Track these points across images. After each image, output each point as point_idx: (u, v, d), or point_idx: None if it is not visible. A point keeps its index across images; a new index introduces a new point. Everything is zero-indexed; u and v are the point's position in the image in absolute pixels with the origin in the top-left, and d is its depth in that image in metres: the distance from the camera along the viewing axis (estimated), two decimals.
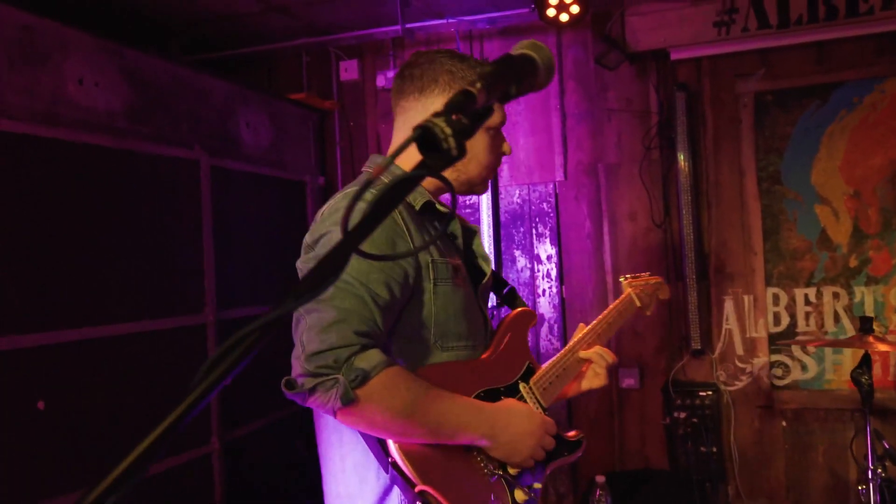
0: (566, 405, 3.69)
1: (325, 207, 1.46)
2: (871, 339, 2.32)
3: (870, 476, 2.32)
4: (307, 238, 1.45)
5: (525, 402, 1.55)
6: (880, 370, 3.24)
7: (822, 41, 3.27)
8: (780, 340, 3.39)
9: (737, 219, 3.47)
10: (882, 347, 2.30)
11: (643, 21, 3.38)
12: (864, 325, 2.37)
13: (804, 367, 3.39)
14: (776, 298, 3.42)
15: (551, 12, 3.24)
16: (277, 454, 3.40)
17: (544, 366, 1.65)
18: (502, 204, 3.78)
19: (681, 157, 3.44)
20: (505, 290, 1.76)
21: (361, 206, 1.36)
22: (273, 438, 3.39)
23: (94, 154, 2.56)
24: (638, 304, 1.97)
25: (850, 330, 3.31)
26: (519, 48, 0.94)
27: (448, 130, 0.73)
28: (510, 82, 0.87)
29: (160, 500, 2.70)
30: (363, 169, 1.63)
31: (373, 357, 1.27)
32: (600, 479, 2.34)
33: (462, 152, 0.75)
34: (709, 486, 3.38)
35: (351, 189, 1.48)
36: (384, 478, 1.38)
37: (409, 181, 0.77)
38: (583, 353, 1.71)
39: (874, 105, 3.28)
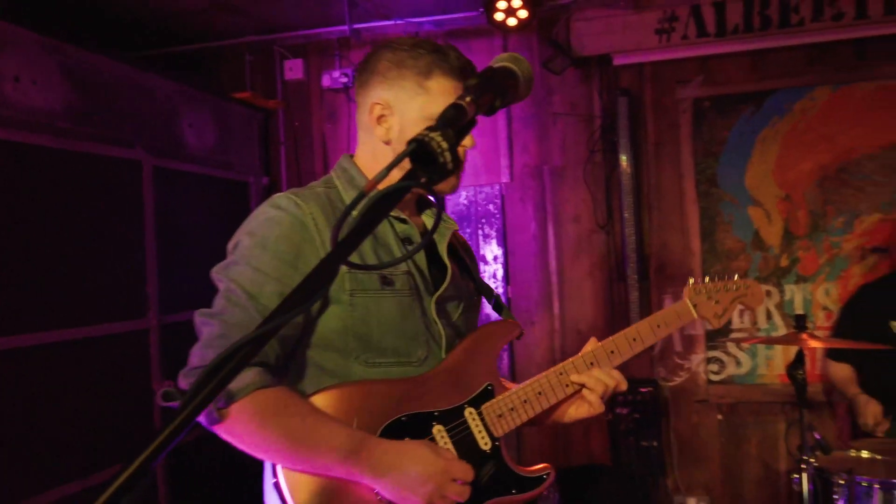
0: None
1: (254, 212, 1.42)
2: (804, 336, 2.43)
3: (803, 466, 2.44)
4: (229, 243, 1.41)
5: (454, 434, 1.39)
6: (810, 364, 3.41)
7: (757, 50, 3.41)
8: (718, 338, 3.53)
9: (676, 221, 3.59)
10: (815, 344, 2.41)
11: (588, 26, 3.46)
12: (799, 323, 2.48)
13: (738, 363, 3.53)
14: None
15: (499, 16, 3.28)
16: (221, 461, 3.36)
17: (513, 388, 1.47)
18: (449, 205, 3.80)
19: (623, 160, 3.53)
20: (492, 300, 1.64)
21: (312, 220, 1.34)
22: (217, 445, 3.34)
23: (32, 155, 2.48)
24: (695, 315, 1.70)
25: (780, 326, 3.47)
26: (499, 61, 0.97)
27: (444, 145, 0.76)
28: (496, 95, 0.89)
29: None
30: (332, 172, 1.51)
31: (244, 378, 1.22)
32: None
33: (457, 165, 0.77)
34: (650, 481, 3.49)
35: (301, 192, 1.41)
36: (272, 496, 1.29)
37: (400, 191, 0.78)
38: (575, 378, 1.50)
39: (804, 112, 3.44)
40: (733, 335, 3.53)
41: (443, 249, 1.50)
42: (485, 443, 1.42)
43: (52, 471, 2.45)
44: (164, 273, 3.02)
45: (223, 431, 1.23)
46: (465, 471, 1.32)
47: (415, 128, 1.37)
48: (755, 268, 3.50)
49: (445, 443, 1.38)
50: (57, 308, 2.52)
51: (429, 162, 0.76)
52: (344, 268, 1.26)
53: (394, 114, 1.41)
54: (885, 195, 3.36)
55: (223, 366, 0.68)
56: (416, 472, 1.26)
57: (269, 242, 1.33)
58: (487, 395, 1.45)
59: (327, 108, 4.03)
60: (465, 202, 3.83)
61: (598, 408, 1.51)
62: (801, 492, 2.54)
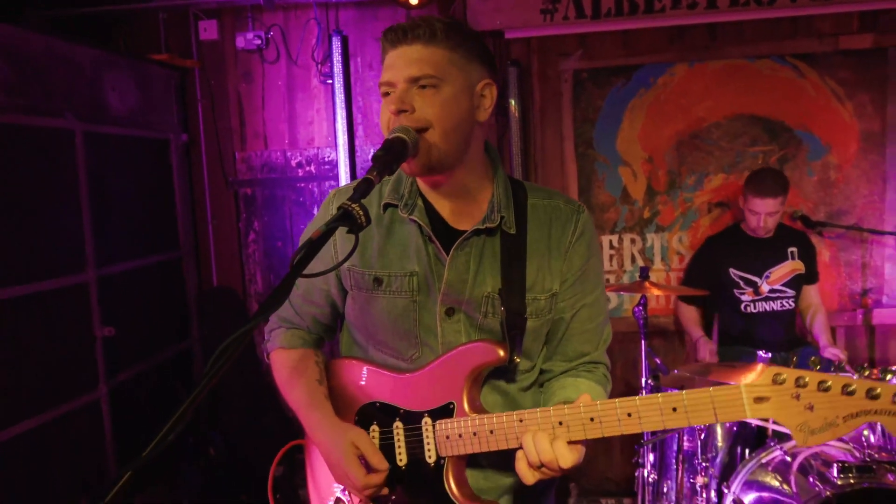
0: None
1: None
2: (647, 284, 3.03)
3: (643, 384, 3.08)
4: None
5: (403, 437, 1.49)
6: (664, 301, 4.07)
7: (627, 30, 3.90)
8: None
9: (558, 178, 4.11)
10: (655, 292, 3.02)
11: (483, 4, 3.85)
12: (643, 274, 3.08)
13: (608, 299, 4.16)
14: None
15: None
16: (161, 396, 3.75)
17: (472, 416, 1.43)
18: (359, 162, 4.19)
19: (513, 124, 4.00)
20: (510, 318, 1.48)
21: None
22: (155, 381, 3.73)
23: None
24: (749, 415, 1.21)
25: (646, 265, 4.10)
26: (392, 132, 1.39)
27: (360, 212, 1.20)
28: (393, 162, 1.33)
29: (51, 448, 3.00)
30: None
31: (276, 337, 1.70)
32: None
33: (369, 222, 1.21)
34: None
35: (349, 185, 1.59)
36: None
37: (330, 232, 1.21)
38: (524, 437, 1.34)
39: (666, 85, 3.99)
40: (604, 276, 4.14)
41: (456, 256, 1.48)
42: (429, 456, 1.46)
43: (4, 411, 2.77)
44: (99, 230, 3.32)
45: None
46: (357, 475, 1.43)
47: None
48: (623, 218, 4.10)
49: (399, 439, 1.50)
50: (5, 268, 2.81)
51: (350, 220, 1.21)
52: (346, 265, 1.49)
53: None
54: (729, 158, 3.99)
55: (221, 356, 1.09)
56: (331, 457, 1.49)
57: (309, 232, 1.55)
58: (447, 412, 1.45)
59: (242, 68, 4.29)
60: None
61: (527, 477, 1.34)
62: None
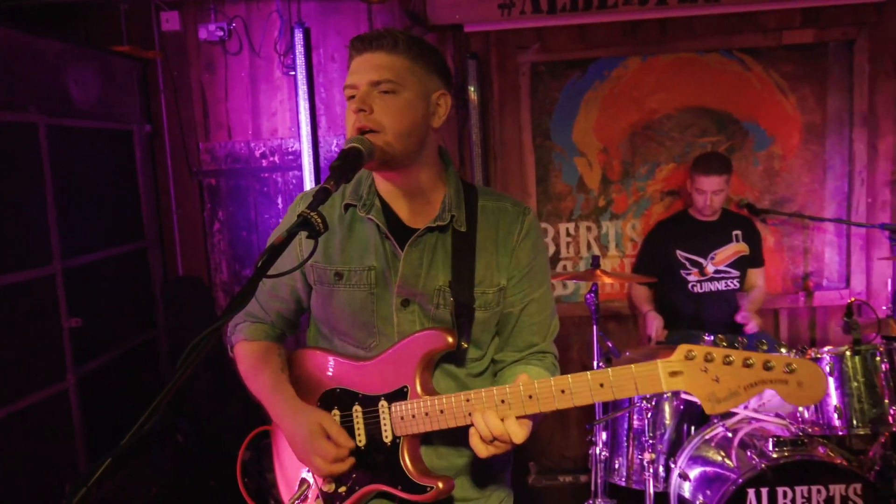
0: None
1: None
2: (598, 272, 3.18)
3: (595, 367, 3.24)
4: None
5: (361, 420, 1.60)
6: (618, 286, 4.24)
7: (583, 24, 4.03)
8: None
9: (517, 168, 4.24)
10: (606, 280, 3.17)
11: None
12: (594, 263, 3.23)
13: (565, 286, 4.32)
14: (546, 232, 4.28)
15: None
16: (128, 385, 3.82)
17: (425, 398, 1.54)
18: (322, 152, 4.27)
19: (473, 116, 4.11)
20: (459, 309, 1.59)
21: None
22: (123, 371, 3.79)
23: None
24: (664, 387, 1.35)
25: (598, 255, 4.26)
26: (348, 143, 1.49)
27: (319, 220, 1.31)
28: (349, 171, 1.44)
29: (20, 439, 3.06)
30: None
31: (241, 330, 1.79)
32: None
33: (327, 228, 1.32)
34: None
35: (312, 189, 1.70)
36: None
37: (292, 235, 1.31)
38: (474, 415, 1.46)
39: (619, 78, 4.13)
40: (561, 262, 4.29)
41: (411, 252, 1.59)
42: (386, 436, 1.58)
43: None
44: (64, 222, 3.36)
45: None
46: (325, 450, 1.54)
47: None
48: (579, 207, 4.25)
49: (358, 421, 1.62)
50: None
51: (309, 226, 1.32)
52: (310, 261, 1.61)
53: None
54: (679, 149, 4.16)
55: (191, 352, 1.20)
56: (298, 441, 1.59)
57: (275, 235, 1.70)
58: (401, 395, 1.57)
59: (204, 59, 4.32)
60: (337, 150, 4.30)
61: (480, 451, 1.45)
62: None
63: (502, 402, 1.44)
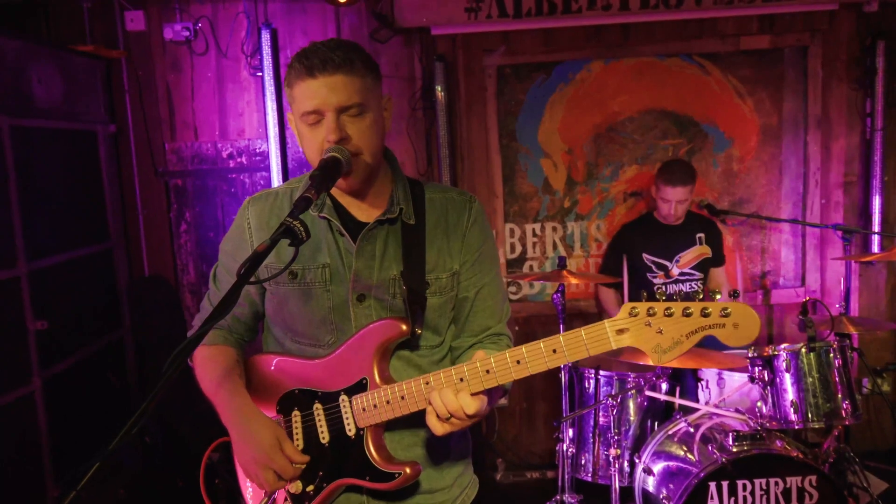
0: None
1: None
2: (565, 273, 3.26)
3: (561, 367, 3.32)
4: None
5: (322, 416, 1.62)
6: (584, 286, 4.33)
7: (547, 28, 4.10)
8: (515, 267, 4.35)
9: (483, 168, 4.30)
10: (573, 280, 3.25)
11: (410, 1, 3.97)
12: (561, 263, 3.31)
13: (532, 286, 4.39)
14: (512, 232, 4.35)
15: None
16: (94, 387, 3.78)
17: (384, 387, 1.57)
18: (289, 153, 4.27)
19: (440, 117, 4.16)
20: (412, 299, 1.64)
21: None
22: (89, 372, 3.76)
23: None
24: (613, 346, 1.40)
25: (564, 255, 4.34)
26: (327, 152, 1.52)
27: (301, 228, 1.34)
28: (329, 180, 1.47)
29: None
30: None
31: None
32: None
33: (309, 236, 1.35)
34: None
35: (263, 191, 1.78)
36: None
37: (274, 242, 1.35)
38: (431, 395, 1.48)
39: (583, 81, 4.22)
40: (527, 262, 4.36)
41: (363, 246, 1.63)
42: (350, 429, 1.61)
43: None
44: (28, 224, 3.32)
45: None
46: (283, 467, 1.56)
47: (301, 127, 1.56)
48: (544, 208, 4.32)
49: (321, 419, 1.64)
50: None
51: (292, 234, 1.35)
52: (263, 264, 1.46)
53: (294, 119, 1.62)
54: (641, 151, 4.26)
55: (176, 359, 1.23)
56: (243, 439, 1.60)
57: (226, 239, 1.77)
58: (361, 387, 1.59)
59: (170, 59, 4.29)
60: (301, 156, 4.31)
61: (436, 428, 1.48)
62: (563, 381, 3.43)
63: (461, 380, 1.47)
